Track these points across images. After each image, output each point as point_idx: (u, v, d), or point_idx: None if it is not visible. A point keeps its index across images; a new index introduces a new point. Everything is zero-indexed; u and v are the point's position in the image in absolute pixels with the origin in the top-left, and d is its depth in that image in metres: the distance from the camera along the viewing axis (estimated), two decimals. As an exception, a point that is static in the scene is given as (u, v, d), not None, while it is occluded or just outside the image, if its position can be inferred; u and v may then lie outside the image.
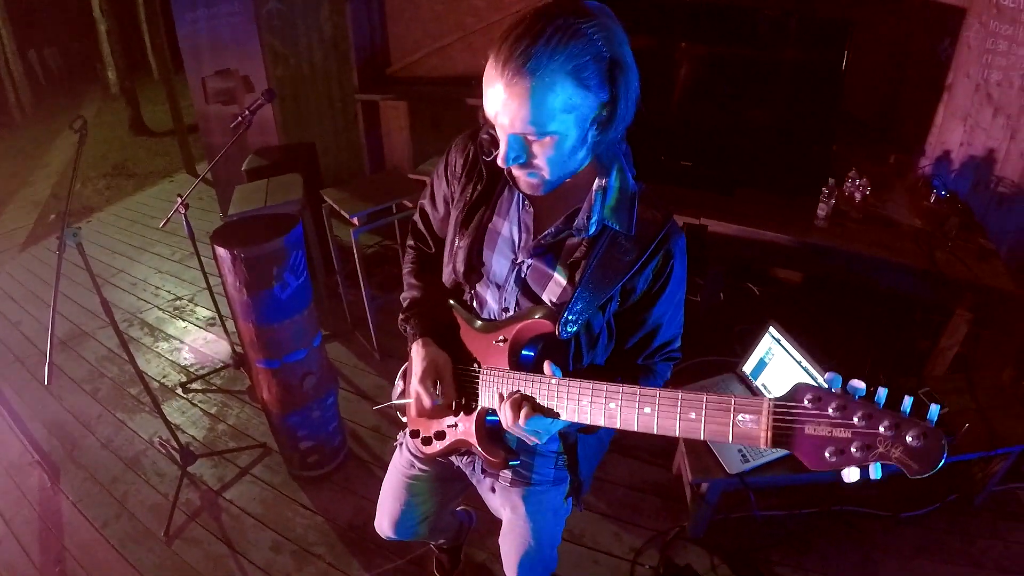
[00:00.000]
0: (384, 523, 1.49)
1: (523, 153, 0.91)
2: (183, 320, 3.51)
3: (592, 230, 0.98)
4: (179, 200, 2.48)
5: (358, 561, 2.07)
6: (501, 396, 1.03)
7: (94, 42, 9.38)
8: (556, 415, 0.96)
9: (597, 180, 0.99)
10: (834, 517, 2.11)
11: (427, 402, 1.12)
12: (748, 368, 2.14)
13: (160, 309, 3.64)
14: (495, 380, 1.07)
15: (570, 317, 0.99)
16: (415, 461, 1.37)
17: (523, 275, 1.06)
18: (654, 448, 2.44)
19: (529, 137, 0.89)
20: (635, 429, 0.86)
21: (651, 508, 2.22)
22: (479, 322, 1.13)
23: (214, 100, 3.70)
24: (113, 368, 3.12)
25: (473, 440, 1.14)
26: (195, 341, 3.31)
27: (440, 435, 1.20)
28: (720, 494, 1.94)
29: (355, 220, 2.63)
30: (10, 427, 2.49)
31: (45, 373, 1.67)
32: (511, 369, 1.04)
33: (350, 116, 4.18)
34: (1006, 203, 2.64)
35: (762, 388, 2.07)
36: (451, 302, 1.18)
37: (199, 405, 2.83)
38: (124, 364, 3.11)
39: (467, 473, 1.35)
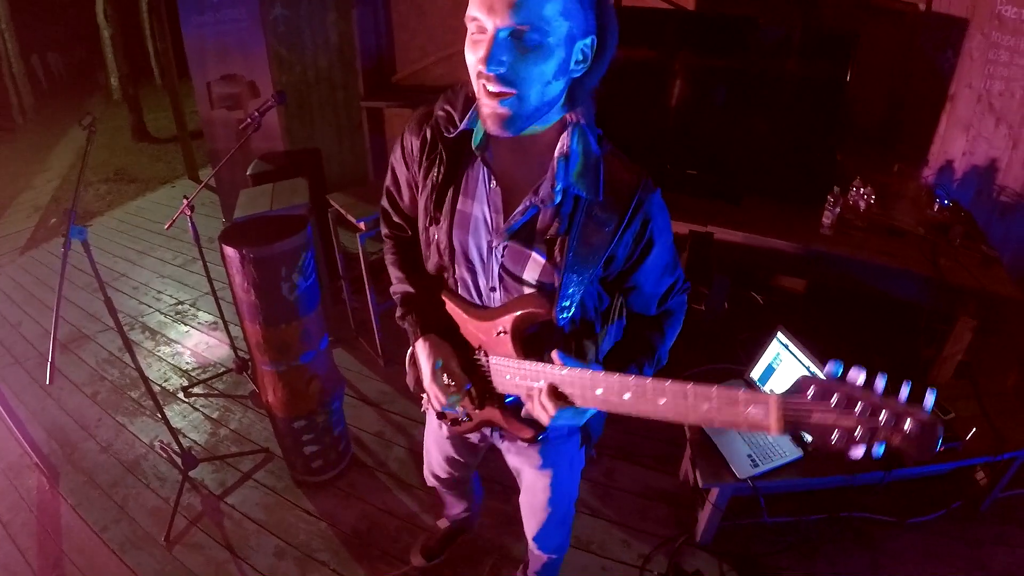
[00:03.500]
0: (428, 471, 1.68)
1: (507, 59, 0.83)
2: (185, 324, 3.49)
3: (558, 199, 0.96)
4: (184, 202, 2.47)
5: (363, 568, 2.05)
6: (527, 391, 1.03)
7: (97, 48, 9.43)
8: (574, 403, 0.97)
9: (559, 146, 0.95)
10: (842, 523, 2.10)
11: (442, 399, 1.14)
12: (756, 374, 2.14)
13: (162, 313, 3.62)
14: (507, 369, 1.09)
15: (564, 303, 0.99)
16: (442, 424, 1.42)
17: (501, 257, 1.05)
18: (660, 455, 2.43)
19: (522, 35, 0.82)
20: (648, 417, 0.89)
21: (659, 515, 2.21)
22: (474, 309, 1.13)
23: (219, 105, 3.71)
24: (113, 371, 3.10)
25: (499, 421, 1.19)
26: (197, 345, 3.29)
27: (468, 415, 1.25)
28: (729, 499, 1.93)
29: (362, 224, 2.62)
30: (9, 429, 2.46)
31: (47, 373, 1.64)
32: (520, 358, 1.06)
33: (355, 123, 4.18)
34: (1008, 212, 2.66)
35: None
36: (443, 295, 1.18)
37: (201, 409, 2.81)
38: (125, 367, 3.10)
39: (487, 436, 1.36)
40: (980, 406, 2.12)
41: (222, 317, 2.92)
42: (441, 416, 1.33)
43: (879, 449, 0.68)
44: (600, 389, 0.93)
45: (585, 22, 0.86)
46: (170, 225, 2.47)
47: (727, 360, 2.36)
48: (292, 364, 2.00)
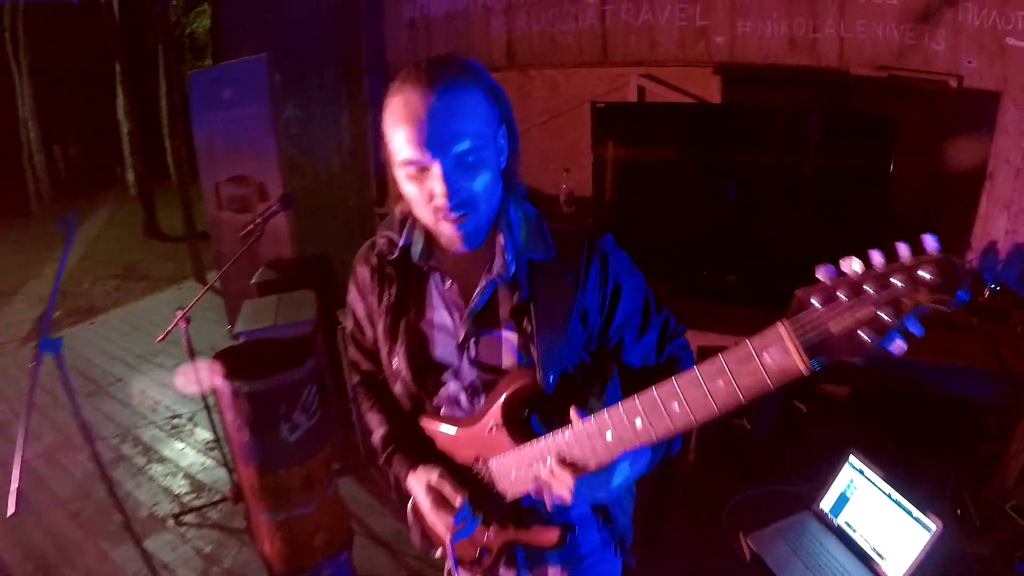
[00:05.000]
0: None
1: (461, 184, 0.87)
2: (180, 441, 3.26)
3: (512, 268, 0.95)
4: (179, 313, 2.31)
5: None
6: (535, 478, 0.94)
7: (117, 142, 9.73)
8: (589, 466, 0.89)
9: (498, 222, 0.96)
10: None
11: (449, 525, 1.03)
12: (827, 505, 1.86)
13: (157, 426, 3.40)
14: (510, 465, 1.00)
15: (548, 367, 0.94)
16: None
17: (474, 354, 1.01)
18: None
19: (464, 158, 0.85)
20: (675, 432, 0.81)
21: None
22: (461, 420, 1.05)
23: (227, 207, 3.63)
24: (100, 488, 2.80)
25: (520, 536, 1.07)
26: (192, 467, 3.04)
27: (486, 548, 1.12)
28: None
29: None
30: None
31: (10, 502, 1.44)
32: (520, 444, 0.97)
33: (368, 230, 4.05)
34: (1058, 290, 2.48)
35: (846, 527, 1.78)
36: (422, 419, 1.10)
37: (192, 541, 2.52)
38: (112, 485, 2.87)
39: None
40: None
41: (218, 438, 2.69)
42: (462, 562, 1.16)
43: (916, 326, 0.60)
44: (609, 431, 0.86)
45: (494, 115, 0.90)
46: (163, 338, 2.30)
47: (780, 481, 2.10)
48: (293, 513, 1.73)
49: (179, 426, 3.39)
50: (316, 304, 2.58)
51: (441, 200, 0.86)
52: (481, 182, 0.88)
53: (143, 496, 2.81)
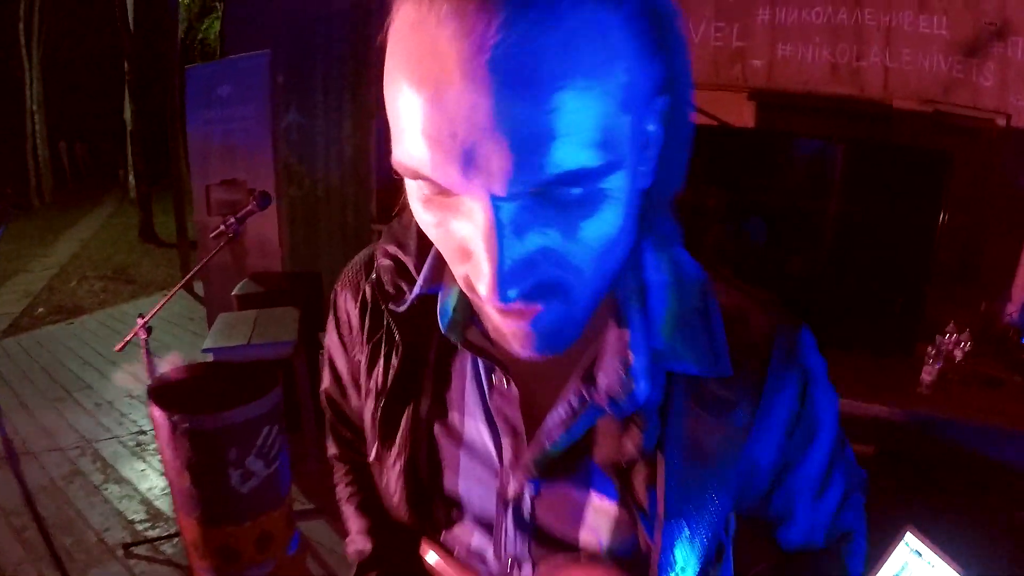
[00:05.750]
0: None
1: (539, 249, 0.38)
2: (143, 461, 3.01)
3: (642, 394, 0.47)
4: (139, 321, 2.09)
5: None
6: None
7: (123, 144, 9.67)
8: None
9: (620, 287, 0.48)
10: None
11: None
12: (877, 587, 1.62)
13: (120, 442, 3.16)
14: None
15: (669, 570, 0.51)
16: None
17: (528, 513, 0.55)
18: None
19: (568, 193, 0.37)
20: None
21: None
22: None
23: (216, 211, 3.44)
24: (50, 505, 2.63)
25: None
26: (151, 491, 2.78)
27: None
28: None
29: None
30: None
31: None
32: None
33: (364, 247, 3.89)
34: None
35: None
36: (425, 544, 0.64)
37: (141, 577, 2.27)
38: (62, 504, 2.65)
39: None
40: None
41: (181, 463, 2.46)
42: None
43: None
44: None
45: (650, 76, 0.39)
46: (121, 347, 2.10)
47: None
48: None
49: (143, 444, 3.15)
50: (299, 324, 2.35)
51: (486, 288, 0.38)
52: (591, 237, 0.39)
53: (95, 519, 2.58)
